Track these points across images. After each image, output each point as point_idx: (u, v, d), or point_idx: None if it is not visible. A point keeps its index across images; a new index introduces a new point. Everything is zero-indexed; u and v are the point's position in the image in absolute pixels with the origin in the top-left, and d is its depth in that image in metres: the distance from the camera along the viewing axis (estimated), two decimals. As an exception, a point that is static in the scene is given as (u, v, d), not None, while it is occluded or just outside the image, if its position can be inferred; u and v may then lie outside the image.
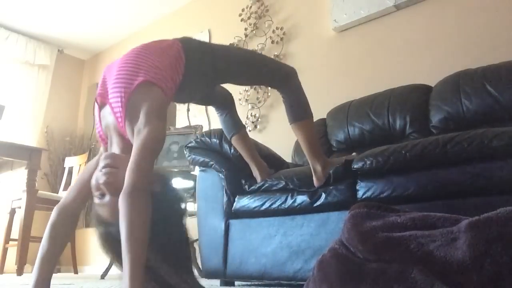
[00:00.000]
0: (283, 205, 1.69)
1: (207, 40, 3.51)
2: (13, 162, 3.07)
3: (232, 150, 1.90)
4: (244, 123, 3.01)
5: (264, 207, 1.75)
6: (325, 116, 2.36)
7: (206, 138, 1.98)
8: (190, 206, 2.79)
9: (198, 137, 2.04)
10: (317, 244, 1.55)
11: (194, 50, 1.41)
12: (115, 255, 1.09)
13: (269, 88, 2.97)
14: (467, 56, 2.12)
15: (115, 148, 1.20)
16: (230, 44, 3.16)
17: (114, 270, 2.12)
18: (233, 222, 1.86)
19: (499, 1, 2.09)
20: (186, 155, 2.06)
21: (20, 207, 3.00)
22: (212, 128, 2.91)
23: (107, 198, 1.09)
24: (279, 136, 2.78)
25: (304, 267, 1.55)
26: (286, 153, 2.36)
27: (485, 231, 0.76)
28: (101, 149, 1.34)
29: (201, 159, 1.98)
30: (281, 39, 3.01)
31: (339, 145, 2.23)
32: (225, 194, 1.90)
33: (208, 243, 1.93)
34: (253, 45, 3.18)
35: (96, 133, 1.32)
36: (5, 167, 3.21)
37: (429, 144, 1.35)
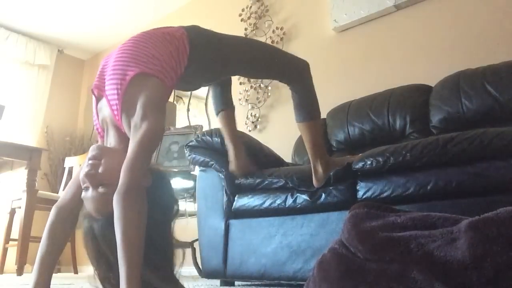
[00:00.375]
0: (283, 205, 1.69)
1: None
2: (13, 162, 3.06)
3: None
4: (244, 123, 3.05)
5: (264, 206, 1.75)
6: (325, 116, 2.36)
7: (207, 137, 1.98)
8: (190, 206, 2.79)
9: (199, 136, 2.04)
10: (317, 244, 1.55)
11: (200, 39, 1.34)
12: (95, 254, 1.07)
13: (269, 88, 2.98)
14: (467, 56, 2.12)
15: (112, 141, 1.17)
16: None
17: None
18: (233, 222, 1.86)
19: (499, 1, 2.09)
20: (187, 154, 2.06)
21: (20, 207, 3.00)
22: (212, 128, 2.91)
23: (89, 191, 1.06)
24: (279, 136, 2.78)
25: (304, 267, 1.55)
26: (286, 153, 2.36)
27: (485, 231, 0.76)
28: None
29: (202, 158, 1.98)
30: (281, 39, 3.00)
31: (339, 145, 2.23)
32: (225, 194, 1.90)
33: (208, 243, 1.93)
34: (253, 45, 3.18)
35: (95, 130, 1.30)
36: (5, 167, 3.21)
37: (429, 144, 1.35)
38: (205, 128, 3.16)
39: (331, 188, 1.57)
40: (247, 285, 2.01)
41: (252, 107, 3.08)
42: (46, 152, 3.66)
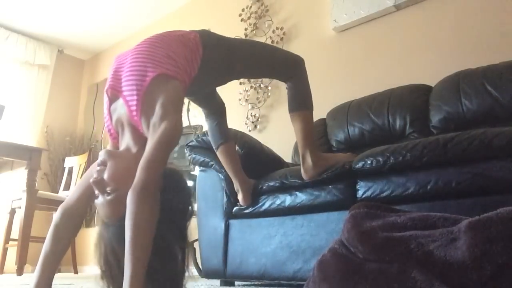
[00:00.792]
0: (282, 205, 1.69)
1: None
2: (13, 162, 3.07)
3: (232, 150, 1.90)
4: (244, 123, 3.05)
5: (264, 207, 1.75)
6: (325, 116, 2.36)
7: (208, 137, 1.98)
8: (190, 206, 2.78)
9: (199, 136, 2.04)
10: (317, 244, 1.55)
11: (212, 44, 1.38)
12: (103, 259, 1.06)
13: (269, 88, 2.98)
14: (467, 56, 2.12)
15: (128, 141, 1.16)
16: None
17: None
18: (233, 222, 1.86)
19: (499, 1, 2.09)
20: (187, 154, 2.06)
21: (20, 207, 3.00)
22: (212, 128, 2.91)
23: (99, 197, 1.06)
24: (279, 136, 2.79)
25: (304, 267, 1.55)
26: (286, 153, 2.36)
27: (485, 231, 0.76)
28: (108, 146, 1.31)
29: (201, 158, 1.98)
30: (281, 39, 3.01)
31: (339, 145, 2.23)
32: (225, 194, 1.90)
33: (208, 243, 1.93)
34: (253, 45, 3.18)
35: (105, 130, 1.29)
36: (5, 167, 3.22)
37: (429, 144, 1.35)
38: (205, 128, 3.16)
39: (331, 187, 1.57)
40: (247, 285, 2.01)
41: (252, 107, 3.08)
42: (46, 152, 3.67)
